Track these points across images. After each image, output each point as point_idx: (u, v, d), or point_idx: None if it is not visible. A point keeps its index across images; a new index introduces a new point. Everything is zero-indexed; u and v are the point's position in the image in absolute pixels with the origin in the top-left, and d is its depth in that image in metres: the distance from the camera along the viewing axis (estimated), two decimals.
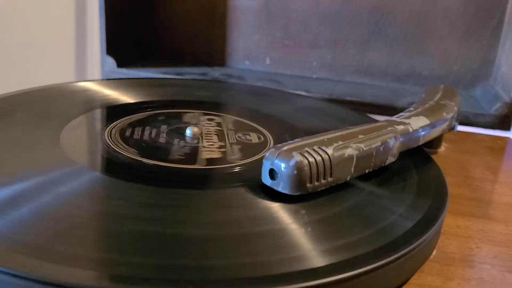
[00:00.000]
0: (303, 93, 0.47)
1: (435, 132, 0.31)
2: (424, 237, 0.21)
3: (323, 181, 0.23)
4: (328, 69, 0.55)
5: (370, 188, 0.25)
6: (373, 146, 0.25)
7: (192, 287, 0.16)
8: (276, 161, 0.22)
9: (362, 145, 0.24)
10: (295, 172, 0.22)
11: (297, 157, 0.22)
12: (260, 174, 0.23)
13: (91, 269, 0.16)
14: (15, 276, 0.16)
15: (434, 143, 0.37)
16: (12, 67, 0.62)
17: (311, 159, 0.22)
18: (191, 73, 0.54)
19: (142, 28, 0.58)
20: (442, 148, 0.39)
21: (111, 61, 0.52)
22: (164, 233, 0.19)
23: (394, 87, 0.53)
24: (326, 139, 0.24)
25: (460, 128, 0.42)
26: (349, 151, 0.24)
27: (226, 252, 0.18)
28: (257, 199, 0.22)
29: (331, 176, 0.23)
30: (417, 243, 0.21)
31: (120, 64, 0.53)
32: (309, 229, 0.21)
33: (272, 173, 0.23)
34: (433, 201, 0.24)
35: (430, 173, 0.28)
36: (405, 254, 0.20)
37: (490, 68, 0.51)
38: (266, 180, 0.23)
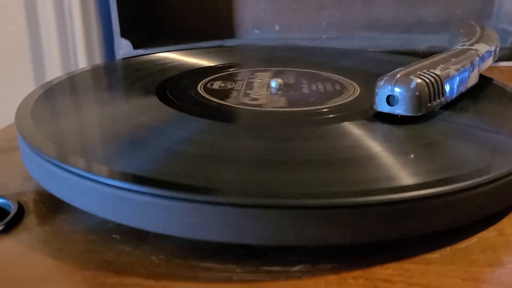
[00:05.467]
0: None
1: (491, 59, 0.33)
2: None
3: (438, 100, 0.24)
4: (337, 28, 0.57)
5: (464, 116, 0.25)
6: (466, 66, 0.27)
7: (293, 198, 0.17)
8: (395, 86, 0.23)
9: (458, 66, 0.26)
10: (417, 93, 0.23)
11: (416, 80, 0.23)
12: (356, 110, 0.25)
13: (222, 187, 0.18)
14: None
15: None
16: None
17: (427, 80, 0.24)
18: (206, 47, 0.53)
19: (147, 8, 0.57)
20: None
21: (126, 43, 0.51)
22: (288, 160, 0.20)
23: (403, 38, 0.55)
24: (427, 64, 0.25)
25: None
26: (452, 72, 0.25)
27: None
28: (356, 130, 0.23)
29: (443, 95, 0.25)
30: None
31: (134, 46, 0.52)
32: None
33: (389, 99, 0.24)
34: None
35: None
36: None
37: (490, 8, 0.54)
38: (383, 107, 0.24)
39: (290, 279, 0.17)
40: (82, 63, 0.60)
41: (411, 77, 0.23)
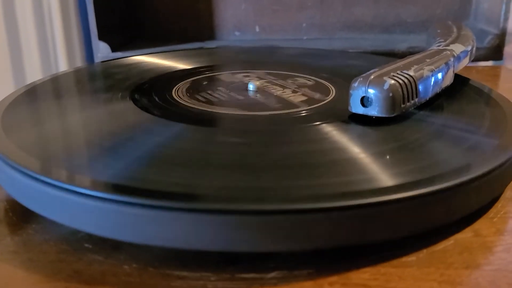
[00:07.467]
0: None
1: (467, 59, 0.33)
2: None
3: (411, 101, 0.24)
4: (317, 29, 0.57)
5: (439, 116, 0.25)
6: (440, 67, 0.27)
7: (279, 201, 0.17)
8: (369, 88, 0.23)
9: (433, 67, 0.26)
10: (391, 94, 0.23)
11: (390, 81, 0.23)
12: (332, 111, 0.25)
13: (211, 194, 0.18)
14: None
15: None
16: None
17: (400, 81, 0.24)
18: (187, 49, 0.53)
19: (126, 10, 0.56)
20: None
21: (104, 46, 0.51)
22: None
23: (383, 38, 0.55)
24: (402, 65, 0.25)
25: None
26: (425, 72, 0.25)
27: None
28: (336, 132, 0.23)
29: (416, 96, 0.25)
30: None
31: (113, 49, 0.51)
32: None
33: (363, 101, 0.24)
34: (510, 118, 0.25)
35: (487, 93, 0.30)
36: (501, 165, 0.20)
37: (468, 7, 0.55)
38: (358, 109, 0.24)
39: (265, 286, 0.16)
40: (62, 66, 0.59)
41: (385, 78, 0.23)
